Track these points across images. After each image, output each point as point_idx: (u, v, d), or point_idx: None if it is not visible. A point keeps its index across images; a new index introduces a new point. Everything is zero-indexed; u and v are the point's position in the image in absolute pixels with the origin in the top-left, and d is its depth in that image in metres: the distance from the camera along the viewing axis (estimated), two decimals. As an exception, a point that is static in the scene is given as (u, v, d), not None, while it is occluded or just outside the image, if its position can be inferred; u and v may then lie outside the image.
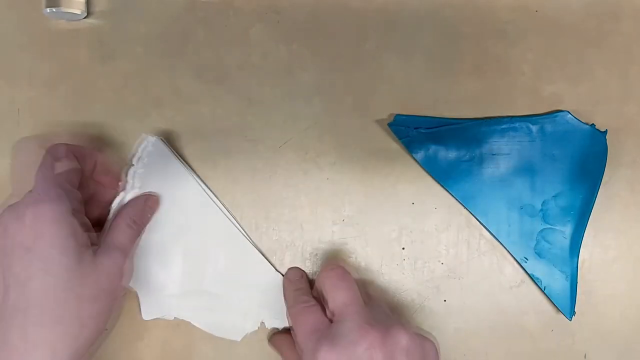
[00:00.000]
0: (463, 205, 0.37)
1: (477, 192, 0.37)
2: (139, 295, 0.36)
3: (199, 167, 0.37)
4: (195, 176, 0.37)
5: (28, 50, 0.37)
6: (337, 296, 0.32)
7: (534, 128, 0.37)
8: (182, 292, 0.36)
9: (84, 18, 0.37)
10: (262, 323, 0.36)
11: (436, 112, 0.37)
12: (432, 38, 0.38)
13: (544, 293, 0.36)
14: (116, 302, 0.32)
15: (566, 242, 0.37)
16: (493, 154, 0.37)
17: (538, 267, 0.36)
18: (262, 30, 0.38)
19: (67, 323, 0.29)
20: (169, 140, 0.37)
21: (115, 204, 0.35)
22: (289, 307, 0.35)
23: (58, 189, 0.31)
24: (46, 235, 0.29)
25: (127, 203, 0.35)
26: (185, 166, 0.36)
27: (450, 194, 0.37)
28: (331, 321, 0.31)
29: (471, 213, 0.37)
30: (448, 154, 0.37)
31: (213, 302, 0.36)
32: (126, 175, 0.36)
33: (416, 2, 0.38)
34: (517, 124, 0.37)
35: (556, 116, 0.37)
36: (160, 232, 0.36)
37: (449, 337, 0.37)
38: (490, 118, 0.37)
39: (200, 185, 0.36)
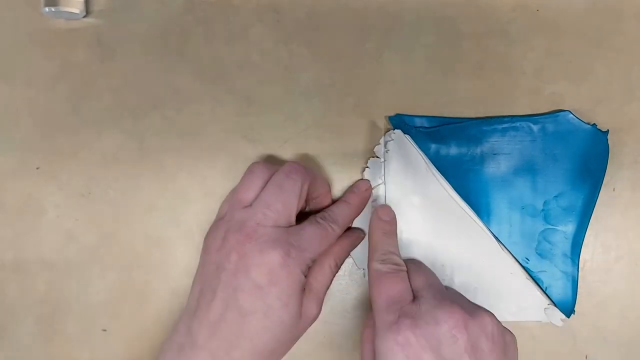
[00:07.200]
0: (462, 206, 0.37)
1: (478, 192, 0.37)
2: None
3: (199, 166, 0.37)
4: (435, 170, 0.36)
5: (27, 49, 0.37)
6: (418, 276, 0.31)
7: (535, 128, 0.37)
8: None
9: (83, 17, 0.37)
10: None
11: (437, 112, 0.37)
12: (432, 38, 0.37)
13: (545, 293, 0.36)
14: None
15: (567, 243, 0.36)
16: (494, 154, 0.37)
17: (539, 268, 0.36)
18: (262, 30, 0.37)
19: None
20: (167, 140, 0.37)
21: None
22: (373, 260, 0.32)
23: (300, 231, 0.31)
24: (279, 284, 0.29)
25: (337, 243, 0.34)
26: (425, 160, 0.36)
27: (449, 194, 0.37)
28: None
29: (470, 213, 0.37)
30: (449, 153, 0.37)
31: None
32: (369, 167, 0.37)
33: (416, 2, 0.37)
34: (518, 124, 0.37)
35: (557, 116, 0.37)
36: (406, 224, 0.36)
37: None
38: (491, 117, 0.37)
39: (439, 181, 0.36)
